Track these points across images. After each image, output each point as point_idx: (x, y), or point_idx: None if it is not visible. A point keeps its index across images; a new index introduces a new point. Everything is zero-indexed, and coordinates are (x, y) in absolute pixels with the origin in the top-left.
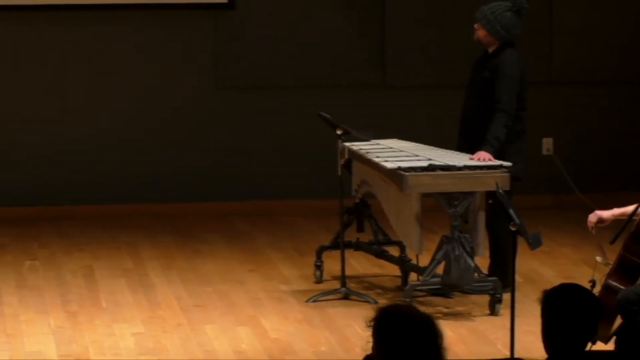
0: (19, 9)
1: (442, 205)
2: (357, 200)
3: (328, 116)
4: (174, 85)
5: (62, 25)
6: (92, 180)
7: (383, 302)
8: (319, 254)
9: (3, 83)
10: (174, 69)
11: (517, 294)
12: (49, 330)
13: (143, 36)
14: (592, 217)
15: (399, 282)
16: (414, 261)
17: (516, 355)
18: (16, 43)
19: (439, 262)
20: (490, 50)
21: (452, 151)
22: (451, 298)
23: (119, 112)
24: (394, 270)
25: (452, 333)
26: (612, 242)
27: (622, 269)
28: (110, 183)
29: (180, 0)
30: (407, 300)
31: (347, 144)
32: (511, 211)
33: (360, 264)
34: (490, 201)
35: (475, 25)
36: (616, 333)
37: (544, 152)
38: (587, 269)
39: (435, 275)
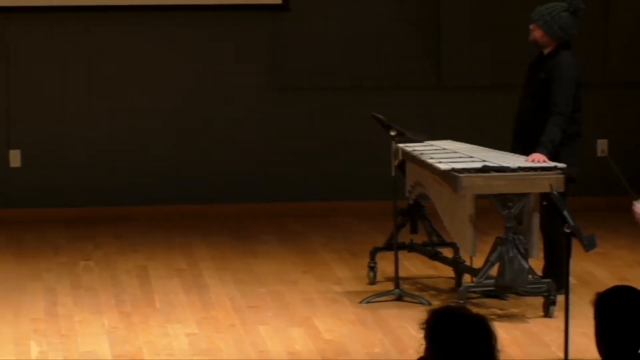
0: (72, 10)
1: (496, 206)
2: (411, 202)
3: (382, 117)
4: (229, 86)
5: (118, 26)
6: (147, 181)
7: (437, 303)
8: (372, 255)
9: (58, 84)
10: (229, 70)
11: (571, 296)
12: (103, 330)
13: (198, 37)
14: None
15: (452, 283)
16: (467, 263)
17: (570, 358)
18: (75, 44)
19: (493, 264)
20: (546, 51)
21: (507, 153)
22: (505, 300)
23: (175, 114)
24: (448, 271)
25: (505, 335)
26: None
27: None
28: (166, 184)
29: (234, 2)
30: (461, 301)
31: (401, 145)
32: (565, 213)
33: (414, 266)
34: (545, 203)
35: (531, 26)
36: None
37: (599, 153)
38: None
39: (489, 277)
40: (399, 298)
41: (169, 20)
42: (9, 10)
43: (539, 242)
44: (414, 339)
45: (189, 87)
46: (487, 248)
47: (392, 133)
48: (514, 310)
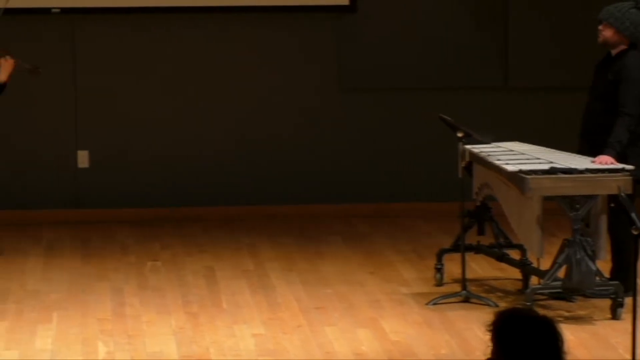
0: (141, 11)
1: (564, 208)
2: (478, 203)
3: (449, 118)
4: (296, 87)
5: (185, 28)
6: (214, 182)
7: (504, 305)
8: (439, 256)
9: (126, 85)
10: (296, 71)
11: (639, 298)
12: (170, 330)
13: (265, 39)
14: None
15: (519, 285)
16: (534, 264)
17: None
18: (143, 46)
19: (560, 266)
20: (614, 52)
21: (574, 154)
22: (572, 302)
23: (242, 115)
24: (515, 273)
25: (573, 337)
26: None
27: None
28: (232, 184)
29: (301, 3)
30: (528, 303)
31: (468, 146)
32: (633, 215)
33: (480, 267)
34: (612, 205)
35: (601, 27)
36: None
37: None
38: None
39: (556, 279)
40: (466, 300)
41: (238, 21)
42: (77, 12)
43: (607, 244)
44: (480, 341)
45: (257, 88)
46: (554, 250)
47: (459, 134)
48: (581, 313)
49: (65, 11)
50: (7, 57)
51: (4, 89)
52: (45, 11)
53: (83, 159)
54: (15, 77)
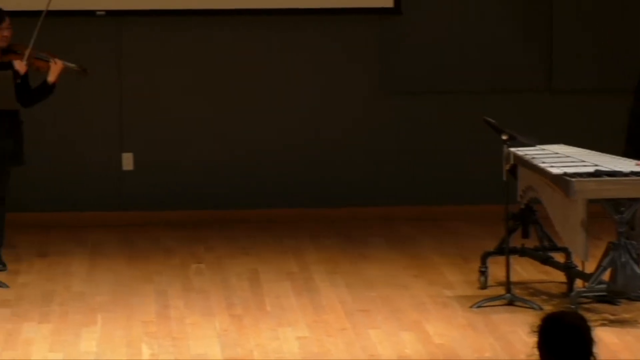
0: (186, 14)
1: (609, 211)
2: (523, 206)
3: (493, 121)
4: (339, 90)
5: (230, 30)
6: (259, 185)
7: (548, 308)
8: (483, 259)
9: (171, 88)
10: (339, 74)
11: None
12: (214, 333)
13: (309, 41)
14: None
15: (564, 288)
16: (579, 268)
17: None
18: (187, 48)
19: (605, 269)
20: None
21: (619, 157)
22: (617, 305)
23: (285, 117)
24: (560, 276)
25: (617, 340)
26: None
27: None
28: (277, 187)
29: (346, 5)
30: (573, 307)
31: (512, 149)
32: None
33: (525, 270)
34: None
35: None
36: None
37: None
38: None
39: (601, 282)
40: (510, 303)
41: (282, 24)
42: (123, 14)
43: None
44: (525, 344)
45: (300, 91)
46: (599, 253)
47: (504, 137)
48: (626, 316)
49: (110, 13)
50: (56, 60)
51: (53, 90)
52: (90, 13)
53: (128, 161)
54: (60, 80)
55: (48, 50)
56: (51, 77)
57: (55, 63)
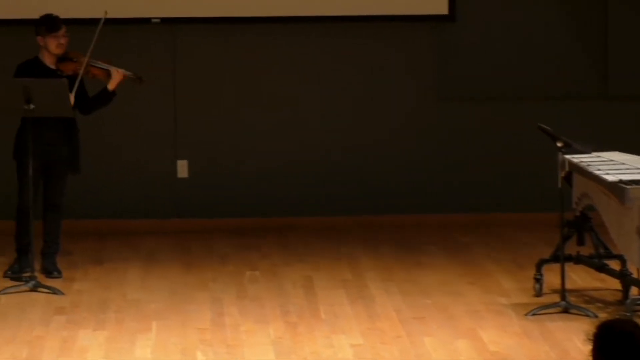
0: (242, 21)
1: None
2: (578, 213)
3: (548, 128)
4: (395, 96)
5: (285, 37)
6: (314, 192)
7: (603, 316)
8: (538, 267)
9: (225, 95)
10: (395, 80)
11: None
12: (268, 340)
13: (364, 48)
14: None
15: (619, 296)
16: (635, 275)
17: None
18: (242, 55)
19: None
20: None
21: None
22: None
23: (340, 124)
24: (615, 284)
25: None
26: None
27: None
28: (331, 194)
29: (401, 12)
30: (628, 314)
31: (567, 156)
32: None
33: (580, 278)
34: None
35: None
36: None
37: None
38: None
39: None
40: (565, 310)
41: (337, 30)
42: (178, 22)
43: None
44: (580, 352)
45: (356, 98)
46: None
47: (559, 144)
48: None
49: (166, 21)
50: (115, 68)
51: (113, 98)
52: (146, 21)
53: (182, 169)
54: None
55: (103, 58)
56: (111, 85)
57: (117, 71)
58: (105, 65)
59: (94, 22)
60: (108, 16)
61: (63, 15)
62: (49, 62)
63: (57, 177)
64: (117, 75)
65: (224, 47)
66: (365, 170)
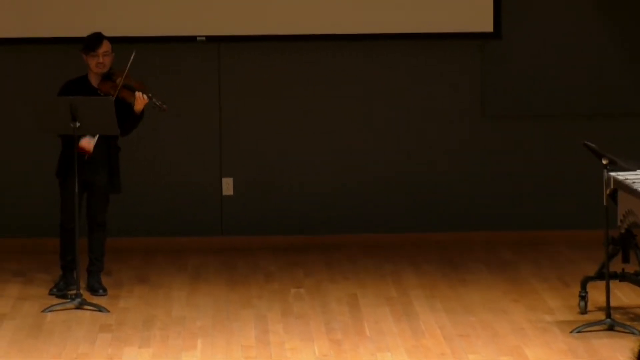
0: (286, 39)
1: None
2: (623, 231)
3: (594, 146)
4: (441, 114)
5: (331, 55)
6: (358, 209)
7: None
8: (583, 284)
9: (269, 112)
10: (441, 97)
11: None
12: (313, 358)
13: (410, 65)
14: None
15: None
16: None
17: None
18: (287, 72)
19: None
20: None
21: None
22: None
23: (386, 143)
24: None
25: None
26: None
27: None
28: (376, 212)
29: (446, 30)
30: None
31: (613, 173)
32: None
33: (625, 295)
34: None
35: None
36: None
37: None
38: None
39: None
40: (610, 328)
41: (383, 48)
42: (223, 40)
43: None
44: None
45: (401, 115)
46: None
47: (604, 162)
48: None
49: (211, 39)
50: (141, 93)
51: (140, 119)
52: (191, 39)
53: (227, 186)
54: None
55: (140, 80)
56: (137, 108)
57: (141, 96)
58: (134, 88)
59: (141, 40)
60: (157, 34)
61: (110, 33)
62: (94, 81)
63: (99, 195)
64: (140, 100)
65: (268, 65)
66: (410, 187)
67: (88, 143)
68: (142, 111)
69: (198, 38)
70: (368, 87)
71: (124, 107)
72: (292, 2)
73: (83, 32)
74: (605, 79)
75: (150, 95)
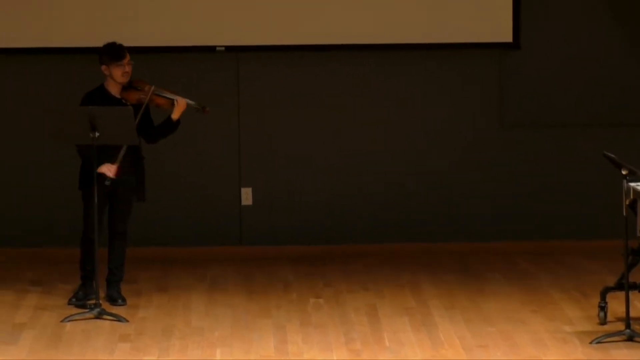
0: (305, 49)
1: None
2: None
3: (613, 156)
4: (459, 123)
5: (348, 65)
6: (377, 219)
7: None
8: (603, 295)
9: (289, 123)
10: (459, 107)
11: None
12: None
13: (428, 75)
14: None
15: None
16: None
17: None
18: (306, 83)
19: None
20: None
21: None
22: None
23: (403, 152)
24: None
25: None
26: None
27: None
28: (395, 222)
29: (466, 40)
30: None
31: (632, 184)
32: None
33: None
34: None
35: None
36: None
37: None
38: None
39: None
40: (630, 338)
41: (400, 58)
42: (242, 50)
43: None
44: None
45: (419, 124)
46: None
47: (624, 172)
48: None
49: (230, 49)
50: (179, 98)
51: (177, 127)
52: (211, 49)
53: (246, 196)
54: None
55: (168, 88)
56: (175, 115)
57: (181, 101)
58: (169, 95)
59: (162, 50)
60: (176, 44)
61: (127, 43)
62: (114, 91)
63: (122, 205)
64: (180, 105)
65: (286, 75)
66: (429, 197)
67: (108, 169)
68: (179, 119)
69: (217, 48)
70: (387, 97)
71: (143, 116)
72: (311, 12)
73: (99, 43)
74: (624, 89)
75: (187, 99)
